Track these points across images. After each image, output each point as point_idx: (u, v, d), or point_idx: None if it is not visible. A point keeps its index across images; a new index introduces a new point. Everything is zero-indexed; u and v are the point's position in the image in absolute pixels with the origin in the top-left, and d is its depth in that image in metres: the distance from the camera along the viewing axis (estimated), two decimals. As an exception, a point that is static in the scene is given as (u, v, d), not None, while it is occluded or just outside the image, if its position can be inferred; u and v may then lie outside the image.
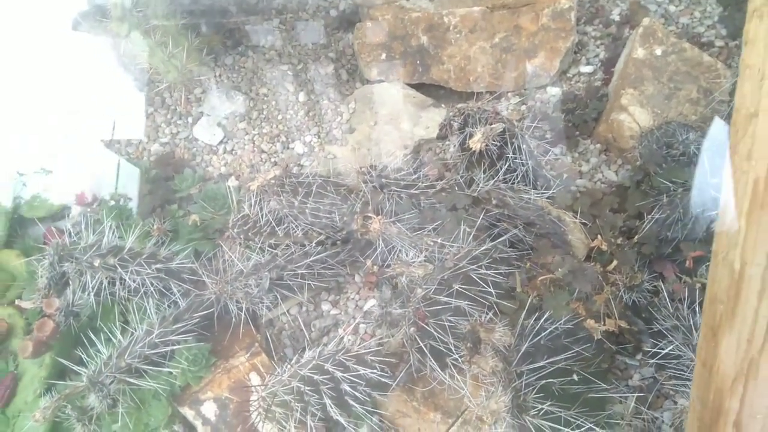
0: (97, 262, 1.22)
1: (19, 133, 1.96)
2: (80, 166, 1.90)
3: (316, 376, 1.14)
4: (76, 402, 1.26)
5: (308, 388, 1.14)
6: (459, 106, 1.54)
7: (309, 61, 2.10)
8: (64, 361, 1.33)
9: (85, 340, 1.39)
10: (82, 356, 1.36)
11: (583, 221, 1.45)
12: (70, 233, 1.48)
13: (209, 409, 1.31)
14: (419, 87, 1.99)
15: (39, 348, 1.38)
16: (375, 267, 1.55)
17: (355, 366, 1.17)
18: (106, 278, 1.29)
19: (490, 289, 1.23)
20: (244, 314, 1.40)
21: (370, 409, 1.27)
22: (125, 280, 1.28)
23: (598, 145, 1.74)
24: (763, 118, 0.65)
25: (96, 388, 1.20)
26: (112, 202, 1.75)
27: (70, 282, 1.29)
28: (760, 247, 0.64)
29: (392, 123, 1.88)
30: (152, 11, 1.69)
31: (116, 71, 2.08)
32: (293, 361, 1.18)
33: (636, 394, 1.25)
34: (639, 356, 1.37)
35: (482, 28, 1.88)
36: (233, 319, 1.43)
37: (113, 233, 1.38)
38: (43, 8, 2.06)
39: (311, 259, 1.43)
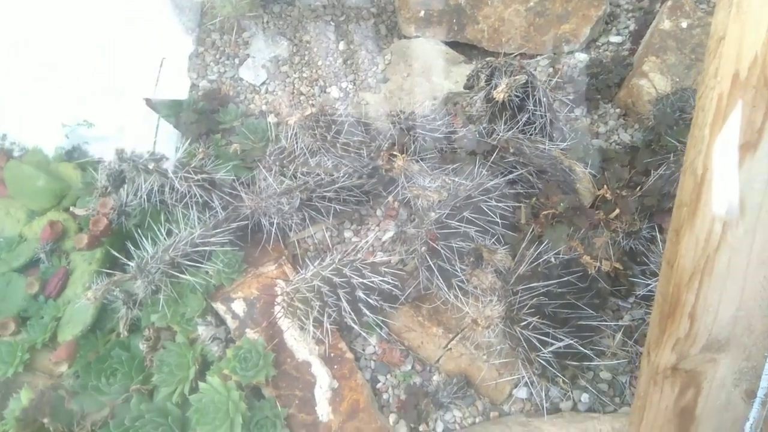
0: (151, 165, 1.38)
1: (64, 83, 2.06)
2: (122, 122, 2.00)
3: (335, 278, 1.28)
4: (125, 288, 1.43)
5: (327, 288, 1.29)
6: (487, 59, 1.65)
7: (351, 15, 2.22)
8: (115, 253, 1.50)
9: (132, 239, 1.57)
10: (130, 252, 1.53)
11: (593, 173, 1.55)
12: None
13: (238, 306, 1.47)
14: (453, 45, 2.10)
15: (92, 242, 1.56)
16: (396, 202, 1.69)
17: (370, 274, 1.31)
18: (157, 184, 1.45)
19: (497, 220, 1.36)
20: (275, 230, 1.55)
21: (380, 318, 1.42)
22: (174, 186, 1.44)
23: (618, 110, 1.83)
24: (728, 40, 0.75)
25: (143, 275, 1.36)
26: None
27: (126, 182, 1.45)
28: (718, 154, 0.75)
29: (424, 75, 1.99)
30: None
31: (175, 21, 2.22)
32: (316, 263, 1.33)
33: (624, 324, 1.36)
34: (631, 299, 1.48)
35: (518, -9, 1.97)
36: (264, 235, 1.59)
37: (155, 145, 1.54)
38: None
39: (338, 185, 1.57)
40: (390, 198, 1.68)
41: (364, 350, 1.48)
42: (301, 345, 1.41)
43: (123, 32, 2.13)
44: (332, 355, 1.41)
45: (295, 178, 1.63)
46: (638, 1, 2.09)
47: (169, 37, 2.18)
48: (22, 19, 2.12)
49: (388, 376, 1.46)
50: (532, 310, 1.21)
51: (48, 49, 2.10)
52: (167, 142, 1.98)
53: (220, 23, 2.17)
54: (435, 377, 1.44)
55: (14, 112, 2.06)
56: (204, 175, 1.45)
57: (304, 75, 2.08)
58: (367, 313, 1.37)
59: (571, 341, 1.20)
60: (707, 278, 0.81)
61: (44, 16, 2.12)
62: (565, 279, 1.27)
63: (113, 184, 1.46)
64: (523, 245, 1.29)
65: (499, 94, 1.53)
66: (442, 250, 1.33)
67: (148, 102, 1.96)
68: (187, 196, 1.47)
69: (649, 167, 1.54)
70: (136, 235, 1.56)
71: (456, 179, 1.49)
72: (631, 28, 2.03)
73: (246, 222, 1.54)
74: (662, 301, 0.89)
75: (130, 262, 1.46)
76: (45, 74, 2.07)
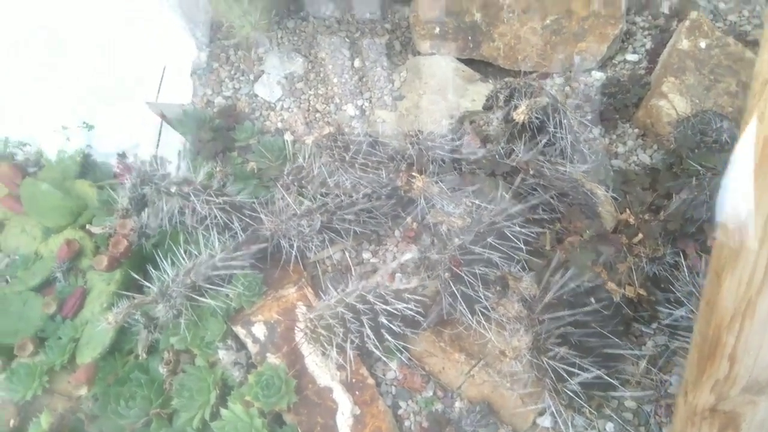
0: (173, 189, 1.38)
1: (68, 88, 2.07)
2: (123, 124, 2.02)
3: (358, 305, 1.28)
4: (145, 311, 1.43)
5: (350, 315, 1.28)
6: (506, 79, 1.64)
7: (365, 31, 2.22)
8: (135, 275, 1.50)
9: (152, 260, 1.57)
10: (149, 273, 1.52)
11: (614, 196, 1.55)
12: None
13: (259, 330, 1.46)
14: (468, 62, 2.10)
15: (112, 263, 1.55)
16: (414, 223, 1.68)
17: (394, 300, 1.30)
18: (178, 206, 1.45)
19: (521, 246, 1.35)
20: (295, 252, 1.54)
21: (401, 344, 1.41)
22: (195, 208, 1.43)
23: (636, 130, 1.82)
24: (776, 85, 0.75)
25: (165, 299, 1.36)
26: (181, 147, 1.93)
27: (148, 205, 1.45)
28: (765, 199, 0.74)
29: (440, 93, 1.99)
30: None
31: (179, 25, 2.22)
32: (339, 290, 1.32)
33: (648, 354, 1.35)
34: (654, 325, 1.47)
35: (535, 9, 1.97)
36: (283, 256, 1.58)
37: (185, 168, 1.54)
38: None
39: (359, 207, 1.56)
40: (409, 219, 1.68)
41: (384, 375, 1.48)
42: (322, 371, 1.40)
43: (127, 37, 2.15)
44: (354, 380, 1.40)
45: (315, 198, 1.63)
46: (654, 19, 2.09)
47: (172, 44, 2.19)
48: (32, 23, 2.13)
49: (410, 402, 1.45)
50: (559, 339, 1.21)
51: (50, 51, 2.12)
52: (169, 147, 1.99)
53: (233, 38, 2.17)
54: (457, 404, 1.43)
55: (15, 114, 2.07)
56: (225, 198, 1.44)
57: (320, 92, 2.07)
58: (389, 338, 1.37)
59: (599, 372, 1.19)
60: (748, 321, 0.80)
61: (53, 21, 2.15)
62: (591, 307, 1.26)
63: (135, 207, 1.45)
64: (548, 272, 1.29)
65: (520, 116, 1.53)
66: (465, 276, 1.32)
67: (151, 106, 1.96)
68: (208, 218, 1.46)
69: (670, 190, 1.54)
70: (155, 256, 1.56)
71: (478, 203, 1.48)
72: (648, 46, 2.03)
73: (265, 244, 1.54)
74: (701, 341, 0.88)
75: (149, 284, 1.45)
76: (46, 75, 2.09)
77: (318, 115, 2.03)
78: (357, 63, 2.12)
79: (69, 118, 2.00)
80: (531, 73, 1.95)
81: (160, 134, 2.03)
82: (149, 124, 2.03)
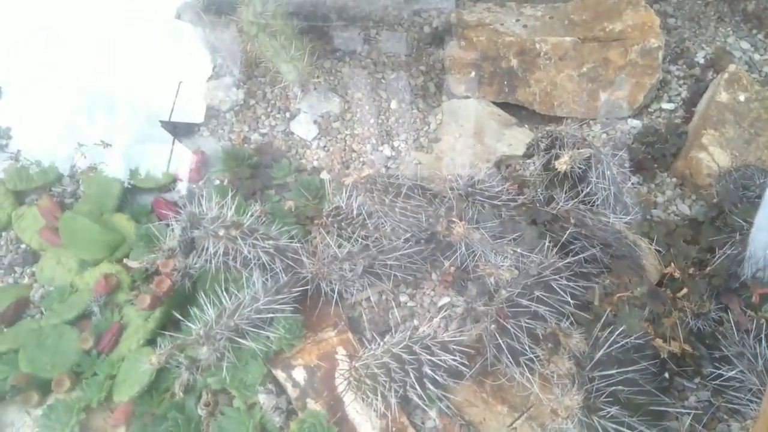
0: (221, 232, 1.39)
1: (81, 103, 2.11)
2: (138, 145, 2.06)
3: (404, 355, 1.27)
4: (188, 352, 1.43)
5: (396, 365, 1.28)
6: (548, 128, 1.66)
7: (401, 72, 2.26)
8: (178, 316, 1.50)
9: (192, 300, 1.57)
10: (189, 313, 1.53)
11: (658, 248, 1.54)
12: (184, 204, 1.68)
13: (299, 374, 1.46)
14: (503, 106, 2.12)
15: (155, 302, 1.56)
16: (452, 268, 1.68)
17: (439, 351, 1.30)
18: (222, 248, 1.46)
19: (568, 299, 1.35)
20: (336, 295, 1.55)
21: (442, 394, 1.40)
22: (239, 250, 1.44)
23: (675, 179, 1.83)
24: None
25: (209, 342, 1.36)
26: (217, 182, 1.95)
27: (196, 248, 1.46)
28: None
29: (476, 137, 2.01)
30: (272, 15, 1.88)
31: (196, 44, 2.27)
32: (386, 339, 1.32)
33: (693, 412, 1.33)
34: (697, 380, 1.46)
35: (572, 57, 2.00)
36: (322, 298, 1.59)
37: (226, 209, 1.55)
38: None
39: (400, 252, 1.56)
40: (447, 264, 1.68)
41: (423, 424, 1.46)
42: (363, 419, 1.39)
43: (143, 54, 2.20)
44: (394, 429, 1.39)
45: (355, 241, 1.63)
46: (689, 68, 2.11)
47: (188, 63, 2.25)
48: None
49: (449, 453, 1.43)
50: (609, 397, 1.19)
51: (63, 67, 2.16)
52: (180, 163, 2.03)
53: (271, 77, 2.20)
54: (497, 456, 1.42)
55: (27, 128, 2.12)
56: (271, 242, 1.45)
57: (356, 132, 2.10)
58: (431, 388, 1.36)
59: (650, 431, 1.18)
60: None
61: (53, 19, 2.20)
62: (640, 365, 1.25)
63: (183, 250, 1.46)
64: (597, 328, 1.28)
65: (562, 165, 1.54)
66: (511, 329, 1.31)
67: (164, 125, 1.99)
68: (252, 261, 1.47)
69: (713, 244, 1.53)
70: (196, 295, 1.57)
71: (521, 251, 1.48)
72: (683, 95, 2.05)
73: (306, 287, 1.54)
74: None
75: (191, 324, 1.45)
76: (54, 90, 2.12)
77: (354, 154, 2.05)
78: (393, 104, 2.15)
79: (85, 133, 2.05)
80: (567, 118, 1.97)
81: (171, 152, 2.06)
82: (159, 142, 2.07)
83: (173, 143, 2.06)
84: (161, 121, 2.08)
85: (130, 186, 2.02)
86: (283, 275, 1.52)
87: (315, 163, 2.04)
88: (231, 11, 1.97)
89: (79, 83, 2.14)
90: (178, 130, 2.07)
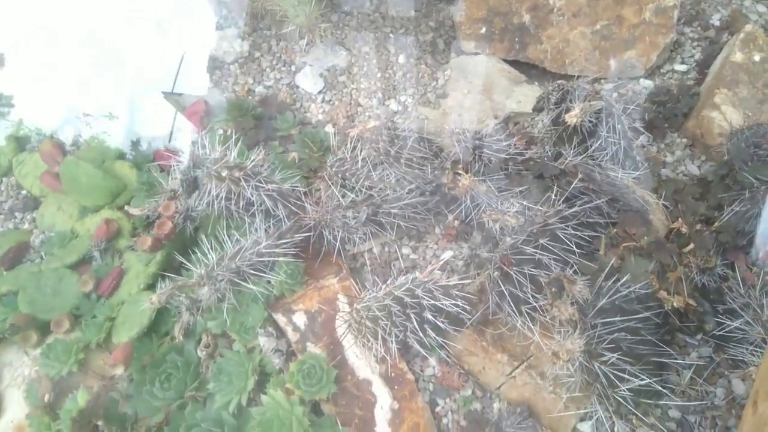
0: (224, 173, 1.37)
1: (85, 75, 2.07)
2: (141, 114, 2.03)
3: (406, 299, 1.26)
4: (189, 293, 1.42)
5: (397, 308, 1.27)
6: (559, 81, 1.63)
7: (410, 27, 2.21)
8: (179, 257, 1.49)
9: (194, 243, 1.56)
10: (191, 256, 1.52)
11: (665, 204, 1.52)
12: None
13: (300, 319, 1.45)
14: (513, 63, 2.08)
15: (156, 244, 1.55)
16: (456, 222, 1.66)
17: (441, 296, 1.28)
18: (225, 190, 1.44)
19: (573, 249, 1.33)
20: (338, 244, 1.53)
21: (443, 341, 1.40)
22: (242, 193, 1.42)
23: (685, 140, 1.80)
24: None
25: (210, 282, 1.35)
26: (220, 131, 1.92)
27: (199, 188, 1.44)
28: None
29: (485, 93, 1.97)
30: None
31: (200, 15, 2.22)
32: (388, 282, 1.31)
33: (695, 363, 1.33)
34: (699, 336, 1.45)
35: (585, 14, 1.95)
36: (324, 247, 1.57)
37: (229, 153, 1.52)
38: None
39: (404, 202, 1.55)
40: (450, 217, 1.66)
41: (422, 371, 1.46)
42: (362, 363, 1.39)
43: (146, 25, 2.15)
44: (393, 375, 1.39)
45: (360, 191, 1.61)
46: (703, 30, 2.06)
47: (191, 35, 2.20)
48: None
49: (447, 400, 1.43)
50: (611, 345, 1.19)
51: (66, 38, 2.11)
52: (183, 137, 1.99)
53: (276, 25, 2.15)
54: (495, 404, 1.41)
55: (29, 97, 2.07)
56: (274, 185, 1.43)
57: (362, 86, 2.06)
58: (432, 334, 1.35)
59: (650, 380, 1.17)
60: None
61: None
62: (643, 314, 1.24)
63: (186, 190, 1.44)
64: (601, 278, 1.26)
65: (573, 118, 1.51)
66: (515, 276, 1.30)
67: (166, 96, 1.95)
68: (255, 204, 1.45)
69: (722, 202, 1.51)
70: (197, 239, 1.55)
71: (529, 203, 1.46)
72: (697, 57, 2.00)
73: (308, 234, 1.53)
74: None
75: (192, 267, 1.44)
76: (58, 61, 2.08)
77: (360, 108, 2.02)
78: (401, 59, 2.11)
79: (88, 105, 2.00)
80: (580, 77, 1.93)
81: (174, 124, 2.03)
82: (159, 113, 2.03)
83: (175, 114, 2.03)
84: (163, 92, 2.04)
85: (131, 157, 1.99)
86: (286, 221, 1.50)
87: (320, 117, 2.01)
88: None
89: (82, 47, 2.10)
90: (181, 101, 2.03)
